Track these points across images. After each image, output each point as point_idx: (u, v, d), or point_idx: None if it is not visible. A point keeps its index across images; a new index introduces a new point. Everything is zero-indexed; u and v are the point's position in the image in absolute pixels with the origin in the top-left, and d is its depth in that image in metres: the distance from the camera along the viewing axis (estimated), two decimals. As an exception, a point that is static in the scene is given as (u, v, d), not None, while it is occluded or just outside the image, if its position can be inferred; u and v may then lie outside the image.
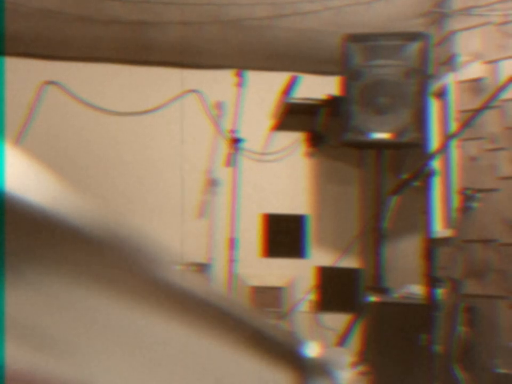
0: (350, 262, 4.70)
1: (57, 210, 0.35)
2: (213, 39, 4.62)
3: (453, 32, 3.99)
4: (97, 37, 4.64)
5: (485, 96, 3.55)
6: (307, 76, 4.66)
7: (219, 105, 4.84)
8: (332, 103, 4.43)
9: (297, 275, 4.72)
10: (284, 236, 4.80)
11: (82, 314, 0.38)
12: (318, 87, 4.61)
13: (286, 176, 4.87)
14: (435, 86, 4.18)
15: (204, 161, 4.84)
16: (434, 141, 4.20)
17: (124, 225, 0.41)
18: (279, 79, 4.62)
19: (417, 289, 3.79)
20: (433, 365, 3.18)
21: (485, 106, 3.43)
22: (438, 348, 3.27)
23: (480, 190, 3.70)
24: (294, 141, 4.85)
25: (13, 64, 4.70)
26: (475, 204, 3.71)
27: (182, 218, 4.80)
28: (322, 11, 4.32)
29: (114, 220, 0.40)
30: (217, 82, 4.84)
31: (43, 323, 0.35)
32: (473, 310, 3.62)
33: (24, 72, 4.80)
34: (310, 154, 4.85)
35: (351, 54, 4.16)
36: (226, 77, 4.53)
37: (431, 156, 3.34)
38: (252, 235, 4.70)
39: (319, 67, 4.78)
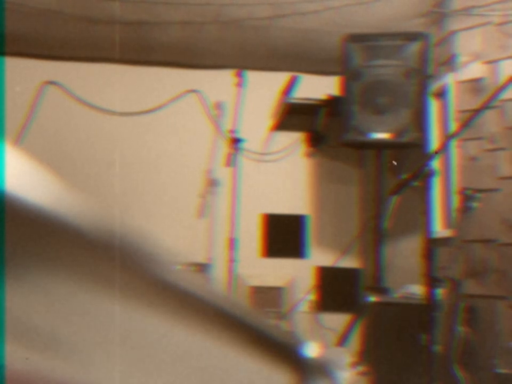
0: (350, 262, 4.70)
1: (57, 210, 0.35)
2: (213, 39, 4.62)
3: (453, 32, 3.99)
4: (97, 37, 4.64)
5: (484, 96, 3.55)
6: (307, 75, 4.66)
7: (219, 105, 4.84)
8: (332, 103, 4.43)
9: (297, 275, 4.72)
10: (283, 235, 4.80)
11: (82, 314, 0.38)
12: (318, 87, 4.61)
13: (286, 176, 4.87)
14: (435, 86, 4.18)
15: (204, 161, 4.84)
16: (434, 141, 4.20)
17: (123, 225, 0.41)
18: (279, 79, 4.62)
19: (417, 289, 3.79)
20: (433, 365, 3.18)
21: (485, 106, 3.43)
22: (438, 348, 3.27)
23: (480, 190, 3.70)
24: (294, 141, 4.85)
25: (13, 64, 4.70)
26: (475, 204, 3.71)
27: (182, 218, 4.79)
28: (322, 11, 4.32)
29: (114, 220, 0.40)
30: (217, 82, 4.84)
31: (43, 323, 0.35)
32: (473, 310, 3.62)
33: (24, 72, 4.80)
34: (310, 154, 4.85)
35: (351, 54, 4.16)
36: (226, 77, 4.53)
37: (431, 156, 3.34)
38: (252, 235, 4.70)
39: (319, 67, 4.78)
